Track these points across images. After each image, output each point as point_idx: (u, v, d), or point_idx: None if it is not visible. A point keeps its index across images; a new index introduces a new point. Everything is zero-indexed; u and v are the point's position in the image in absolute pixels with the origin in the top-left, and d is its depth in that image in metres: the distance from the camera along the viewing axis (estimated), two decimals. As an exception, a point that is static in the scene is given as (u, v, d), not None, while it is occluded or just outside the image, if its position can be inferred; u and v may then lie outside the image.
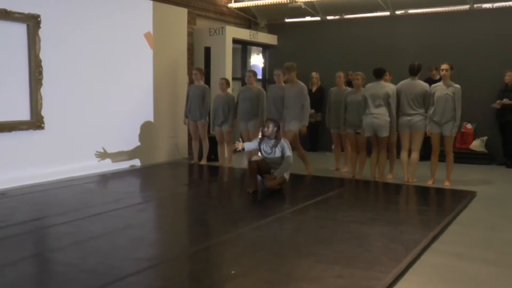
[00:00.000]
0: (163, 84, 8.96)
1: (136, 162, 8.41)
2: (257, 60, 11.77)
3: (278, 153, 6.38)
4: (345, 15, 10.95)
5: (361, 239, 4.39)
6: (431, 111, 6.90)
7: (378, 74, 7.14)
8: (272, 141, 6.40)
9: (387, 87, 7.05)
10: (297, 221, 5.06)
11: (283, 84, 7.82)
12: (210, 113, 8.55)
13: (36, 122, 6.82)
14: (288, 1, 10.25)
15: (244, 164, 8.43)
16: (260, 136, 7.04)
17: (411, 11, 10.22)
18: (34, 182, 6.68)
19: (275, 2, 10.52)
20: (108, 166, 7.88)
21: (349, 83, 8.52)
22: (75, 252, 4.02)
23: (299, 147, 7.58)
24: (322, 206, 5.70)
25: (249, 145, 6.53)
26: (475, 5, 9.53)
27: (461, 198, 6.17)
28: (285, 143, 6.43)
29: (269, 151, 6.40)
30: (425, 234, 4.55)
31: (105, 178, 7.38)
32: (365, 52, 10.14)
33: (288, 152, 6.36)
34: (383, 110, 6.95)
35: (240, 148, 6.37)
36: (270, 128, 6.37)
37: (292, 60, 10.72)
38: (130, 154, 8.32)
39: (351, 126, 7.44)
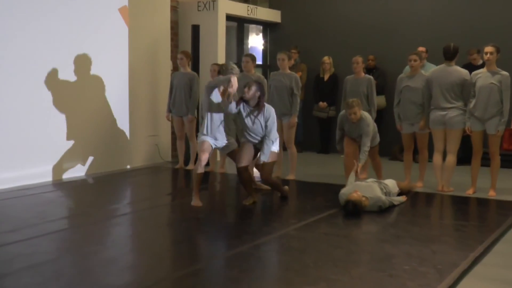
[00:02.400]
0: (141, 71, 8.96)
1: (108, 167, 8.39)
2: (256, 42, 11.78)
3: (260, 124, 6.19)
4: (364, -15, 10.95)
5: (384, 261, 4.38)
6: (471, 104, 6.88)
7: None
8: (252, 109, 6.19)
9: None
10: (305, 239, 5.05)
11: (288, 71, 7.84)
12: (199, 106, 8.54)
13: (-17, 118, 6.82)
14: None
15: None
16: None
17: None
18: (-19, 191, 6.68)
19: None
20: (72, 171, 7.87)
21: (369, 70, 8.52)
22: (31, 278, 3.99)
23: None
24: (336, 221, 5.69)
25: (231, 105, 6.19)
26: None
27: (509, 211, 6.16)
28: (270, 111, 6.21)
29: (250, 122, 6.21)
30: (464, 255, 4.54)
31: (68, 187, 7.36)
32: (388, 32, 10.11)
33: (272, 125, 6.16)
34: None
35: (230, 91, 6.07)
36: (252, 91, 6.13)
37: (300, 42, 10.85)
38: (100, 157, 8.30)
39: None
